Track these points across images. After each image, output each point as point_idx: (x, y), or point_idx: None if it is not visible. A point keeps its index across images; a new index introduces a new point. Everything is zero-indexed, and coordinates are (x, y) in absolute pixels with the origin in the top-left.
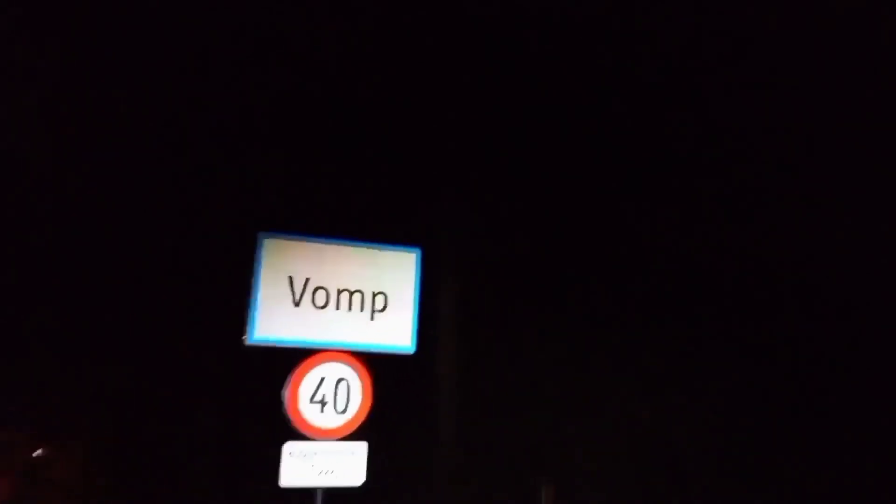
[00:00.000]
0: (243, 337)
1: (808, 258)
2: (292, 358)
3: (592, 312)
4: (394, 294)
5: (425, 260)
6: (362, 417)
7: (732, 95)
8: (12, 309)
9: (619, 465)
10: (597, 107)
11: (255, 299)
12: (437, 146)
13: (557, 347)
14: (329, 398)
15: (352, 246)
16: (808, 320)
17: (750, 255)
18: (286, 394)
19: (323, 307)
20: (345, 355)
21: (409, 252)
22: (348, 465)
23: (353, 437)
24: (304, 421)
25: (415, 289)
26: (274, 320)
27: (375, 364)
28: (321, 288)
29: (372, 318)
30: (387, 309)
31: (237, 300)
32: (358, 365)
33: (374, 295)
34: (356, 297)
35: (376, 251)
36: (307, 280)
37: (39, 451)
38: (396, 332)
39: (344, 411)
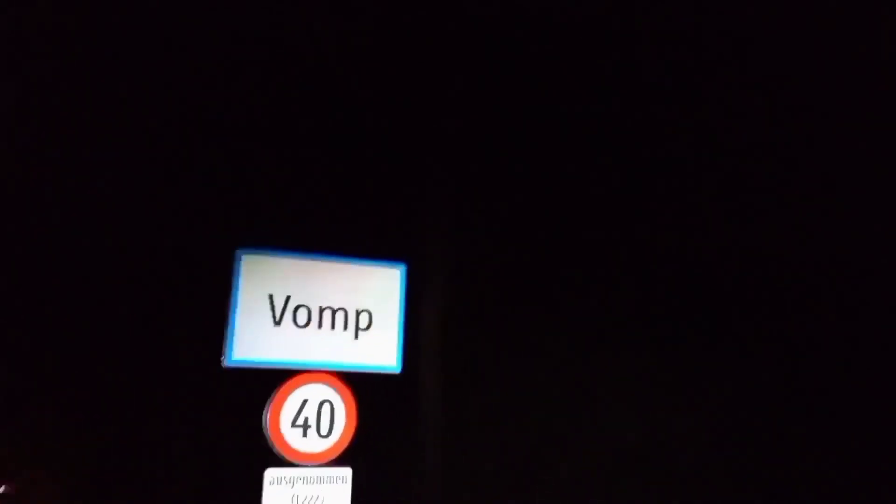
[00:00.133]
0: (221, 359)
1: (807, 258)
2: (273, 380)
3: (586, 324)
4: (378, 311)
5: (410, 274)
6: (347, 441)
7: (732, 95)
8: None
9: (613, 484)
10: (596, 107)
11: (234, 319)
12: (423, 149)
13: (550, 362)
14: (312, 421)
15: (334, 262)
16: (808, 320)
17: (750, 255)
18: (267, 417)
19: (305, 326)
20: (328, 376)
21: (394, 268)
22: (333, 491)
23: (338, 461)
24: (286, 445)
25: (400, 306)
26: (253, 340)
27: (360, 384)
28: (303, 306)
29: (356, 337)
30: (371, 327)
31: (215, 320)
32: (342, 386)
33: (358, 313)
34: (339, 316)
35: (360, 267)
36: (288, 298)
37: (3, 489)
38: (381, 351)
39: (328, 435)
